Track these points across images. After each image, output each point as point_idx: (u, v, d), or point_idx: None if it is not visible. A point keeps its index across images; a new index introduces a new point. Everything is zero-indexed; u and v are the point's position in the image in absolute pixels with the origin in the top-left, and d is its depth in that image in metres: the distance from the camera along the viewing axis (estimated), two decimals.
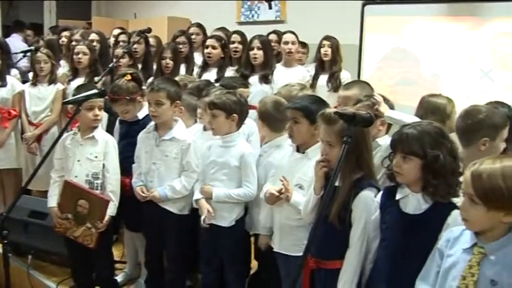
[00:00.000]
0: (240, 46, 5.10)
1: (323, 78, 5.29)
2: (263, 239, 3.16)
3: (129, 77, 3.55)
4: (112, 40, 6.05)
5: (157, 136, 3.39)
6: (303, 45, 5.78)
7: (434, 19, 5.85)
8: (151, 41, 5.56)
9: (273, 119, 3.16)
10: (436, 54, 5.84)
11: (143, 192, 3.38)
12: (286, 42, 5.19)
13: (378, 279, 2.31)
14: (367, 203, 2.39)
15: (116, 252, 4.00)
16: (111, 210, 3.34)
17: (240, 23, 7.69)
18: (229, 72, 4.98)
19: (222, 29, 5.85)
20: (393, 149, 2.28)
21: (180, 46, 5.33)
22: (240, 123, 3.24)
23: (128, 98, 3.53)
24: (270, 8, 7.55)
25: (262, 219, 3.12)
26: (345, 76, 5.26)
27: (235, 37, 5.16)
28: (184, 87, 3.66)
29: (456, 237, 1.99)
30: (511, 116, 3.11)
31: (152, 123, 3.44)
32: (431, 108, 3.07)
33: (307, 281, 2.56)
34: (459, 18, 5.71)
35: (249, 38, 5.01)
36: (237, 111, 3.19)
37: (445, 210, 2.13)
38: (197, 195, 3.27)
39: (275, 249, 2.99)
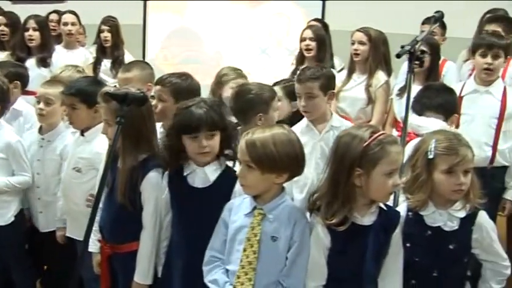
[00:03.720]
0: (6, 29, 4.74)
1: (107, 63, 5.11)
2: (59, 232, 3.03)
3: None
4: None
5: None
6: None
7: None
8: None
9: None
10: (218, 32, 6.09)
11: None
12: (66, 24, 4.99)
13: (175, 255, 2.36)
14: (156, 183, 2.41)
15: None
16: None
17: (15, 2, 7.09)
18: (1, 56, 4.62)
19: None
20: (197, 131, 2.25)
21: None
22: (1, 111, 3.05)
23: None
24: None
25: (59, 211, 3.01)
26: (129, 58, 5.16)
27: (1, 19, 4.78)
28: None
29: (238, 205, 2.17)
30: None
31: None
32: None
33: (105, 269, 2.52)
34: None
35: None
36: None
37: (232, 179, 2.25)
38: None
39: (67, 234, 2.92)
